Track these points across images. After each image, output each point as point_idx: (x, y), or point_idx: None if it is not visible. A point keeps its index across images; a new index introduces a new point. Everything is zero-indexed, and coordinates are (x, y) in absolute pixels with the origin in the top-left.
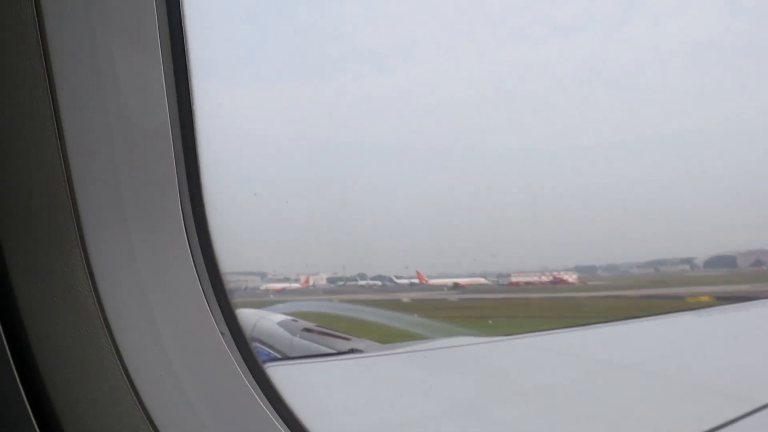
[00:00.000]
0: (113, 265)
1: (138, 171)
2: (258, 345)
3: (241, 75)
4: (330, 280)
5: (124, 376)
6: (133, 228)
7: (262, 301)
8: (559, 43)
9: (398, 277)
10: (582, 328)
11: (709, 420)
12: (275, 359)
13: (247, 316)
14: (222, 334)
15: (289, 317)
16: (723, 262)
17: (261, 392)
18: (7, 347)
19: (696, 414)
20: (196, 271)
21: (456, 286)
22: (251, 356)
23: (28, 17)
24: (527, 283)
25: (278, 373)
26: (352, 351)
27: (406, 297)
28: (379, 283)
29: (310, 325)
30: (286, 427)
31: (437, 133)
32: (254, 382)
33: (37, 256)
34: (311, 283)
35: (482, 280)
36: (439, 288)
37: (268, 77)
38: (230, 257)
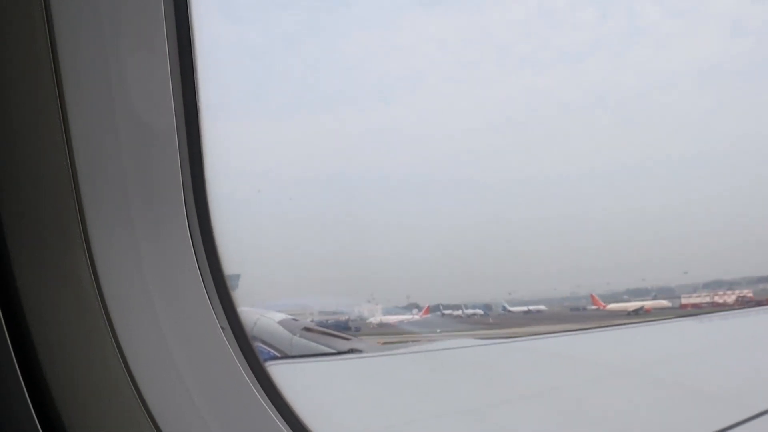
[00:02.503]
0: (116, 260)
1: (142, 169)
2: (258, 344)
3: (248, 109)
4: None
5: (125, 370)
6: (137, 224)
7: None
8: (566, 69)
9: (512, 304)
10: (584, 332)
11: (710, 425)
12: (275, 358)
13: (247, 314)
14: (222, 329)
15: (290, 316)
16: None
17: (260, 387)
18: (8, 340)
19: (696, 418)
20: (198, 268)
21: (639, 311)
22: (251, 351)
23: (38, 19)
24: (715, 304)
25: (278, 372)
26: (351, 351)
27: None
28: (480, 312)
29: (310, 324)
30: (283, 421)
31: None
32: (253, 376)
33: (41, 251)
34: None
35: (665, 303)
36: (617, 314)
37: (276, 111)
38: (265, 289)
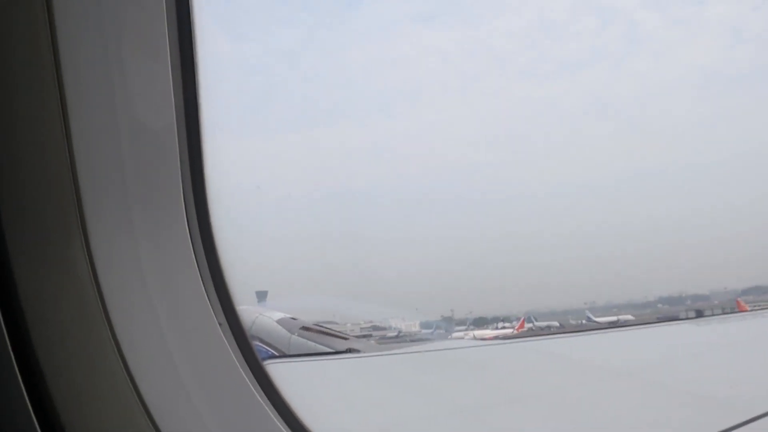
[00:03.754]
0: (115, 257)
1: (142, 166)
2: (256, 342)
3: (253, 125)
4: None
5: (123, 368)
6: (136, 220)
7: None
8: (567, 79)
9: (597, 316)
10: (583, 333)
11: (705, 428)
12: (273, 357)
13: (245, 313)
14: (220, 324)
15: (288, 315)
16: None
17: (257, 384)
18: (7, 339)
19: (692, 422)
20: (197, 264)
21: None
22: (249, 349)
23: (40, 20)
24: None
25: (276, 371)
26: (349, 351)
27: None
28: (555, 324)
29: (309, 323)
30: (281, 419)
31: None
32: (251, 374)
33: (41, 250)
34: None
35: None
36: None
37: (281, 127)
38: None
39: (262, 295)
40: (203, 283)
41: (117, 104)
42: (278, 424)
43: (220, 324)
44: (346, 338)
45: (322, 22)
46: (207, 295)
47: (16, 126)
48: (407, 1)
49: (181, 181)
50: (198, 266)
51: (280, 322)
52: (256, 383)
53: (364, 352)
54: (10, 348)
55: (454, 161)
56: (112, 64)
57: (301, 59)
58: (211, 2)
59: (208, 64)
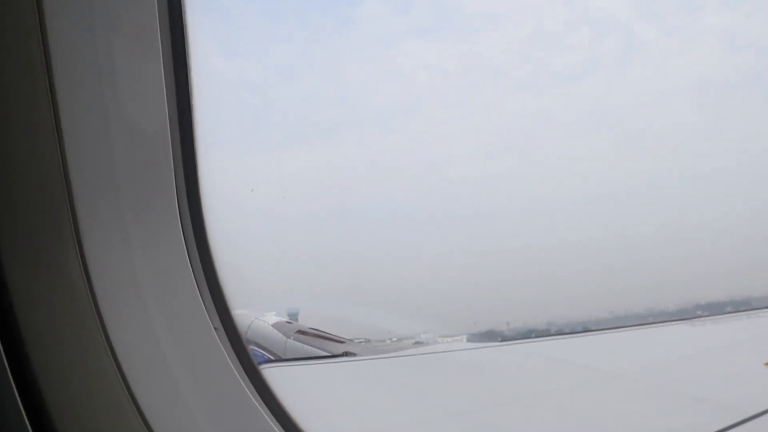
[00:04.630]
0: (108, 260)
1: (135, 169)
2: (252, 347)
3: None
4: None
5: (118, 372)
6: (129, 224)
7: None
8: (562, 90)
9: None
10: (577, 335)
11: (699, 429)
12: (269, 361)
13: (241, 317)
14: (216, 329)
15: (284, 319)
16: None
17: (253, 388)
18: (0, 343)
19: (685, 423)
20: (192, 267)
21: None
22: (244, 352)
23: (30, 17)
24: None
25: (272, 375)
26: (346, 354)
27: None
28: None
29: (304, 327)
30: (277, 423)
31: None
32: (246, 377)
33: (33, 252)
34: None
35: None
36: None
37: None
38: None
39: (293, 314)
40: (198, 288)
41: (110, 107)
42: (275, 428)
43: (215, 328)
44: (342, 342)
45: (318, 38)
46: (202, 300)
47: (7, 129)
48: (403, 15)
49: (175, 184)
50: (193, 270)
51: (275, 326)
52: (252, 388)
53: (361, 356)
54: (3, 353)
55: (469, 173)
56: (104, 65)
57: (298, 75)
58: (205, 22)
59: (203, 79)
